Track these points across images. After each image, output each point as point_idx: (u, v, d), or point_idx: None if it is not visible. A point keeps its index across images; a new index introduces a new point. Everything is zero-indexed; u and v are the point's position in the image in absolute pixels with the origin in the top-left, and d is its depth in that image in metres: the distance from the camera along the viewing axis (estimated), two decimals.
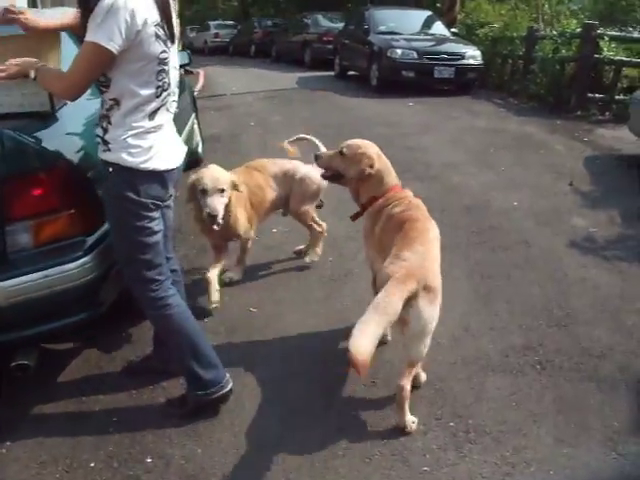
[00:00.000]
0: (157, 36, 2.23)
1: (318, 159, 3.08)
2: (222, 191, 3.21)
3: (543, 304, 3.45)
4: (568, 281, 3.75)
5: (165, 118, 2.40)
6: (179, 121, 4.84)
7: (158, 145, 2.35)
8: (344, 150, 2.91)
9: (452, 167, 6.23)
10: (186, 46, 19.67)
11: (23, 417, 2.71)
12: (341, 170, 2.93)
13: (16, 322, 2.47)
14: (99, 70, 2.20)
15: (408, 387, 2.43)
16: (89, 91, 2.32)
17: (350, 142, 2.94)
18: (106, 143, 2.30)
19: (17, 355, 2.51)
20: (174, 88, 2.41)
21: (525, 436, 2.45)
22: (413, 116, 8.97)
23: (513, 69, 11.14)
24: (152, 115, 2.31)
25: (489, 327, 3.23)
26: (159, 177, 2.38)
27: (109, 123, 2.28)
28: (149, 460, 2.42)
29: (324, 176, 3.10)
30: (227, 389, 2.60)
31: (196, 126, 6.30)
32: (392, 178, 2.92)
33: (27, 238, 2.43)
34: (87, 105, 2.60)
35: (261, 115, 9.17)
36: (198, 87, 12.01)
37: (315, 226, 3.92)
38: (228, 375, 2.62)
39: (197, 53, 21.72)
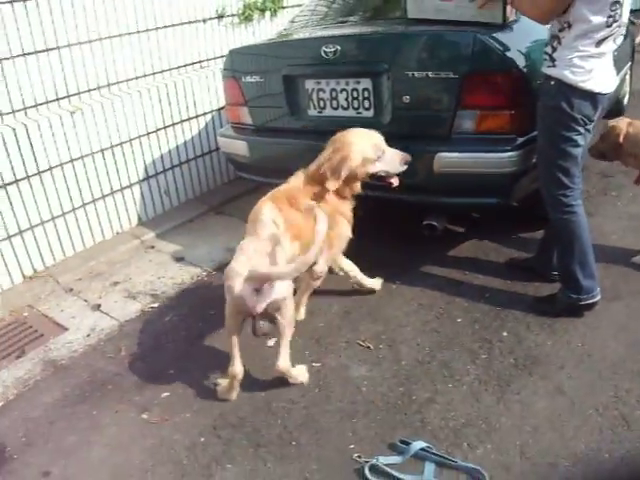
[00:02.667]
0: None
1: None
2: None
3: None
4: None
5: (609, 47, 2.60)
6: (615, 65, 4.83)
7: (597, 70, 2.58)
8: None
9: None
10: None
11: (405, 272, 3.40)
12: (601, 149, 3.31)
13: (440, 189, 3.07)
14: None
15: None
16: None
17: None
18: (552, 60, 2.62)
19: (429, 216, 3.15)
20: (624, 20, 2.56)
21: None
22: None
23: None
24: (599, 43, 2.53)
25: None
26: (592, 97, 2.63)
27: (559, 43, 2.58)
28: (504, 334, 2.82)
29: (594, 155, 3.36)
30: (596, 299, 2.82)
31: (628, 76, 6.15)
32: None
33: (470, 124, 2.95)
34: (533, 25, 2.77)
35: None
36: (639, 39, 11.06)
37: None
38: (599, 289, 2.83)
39: None
